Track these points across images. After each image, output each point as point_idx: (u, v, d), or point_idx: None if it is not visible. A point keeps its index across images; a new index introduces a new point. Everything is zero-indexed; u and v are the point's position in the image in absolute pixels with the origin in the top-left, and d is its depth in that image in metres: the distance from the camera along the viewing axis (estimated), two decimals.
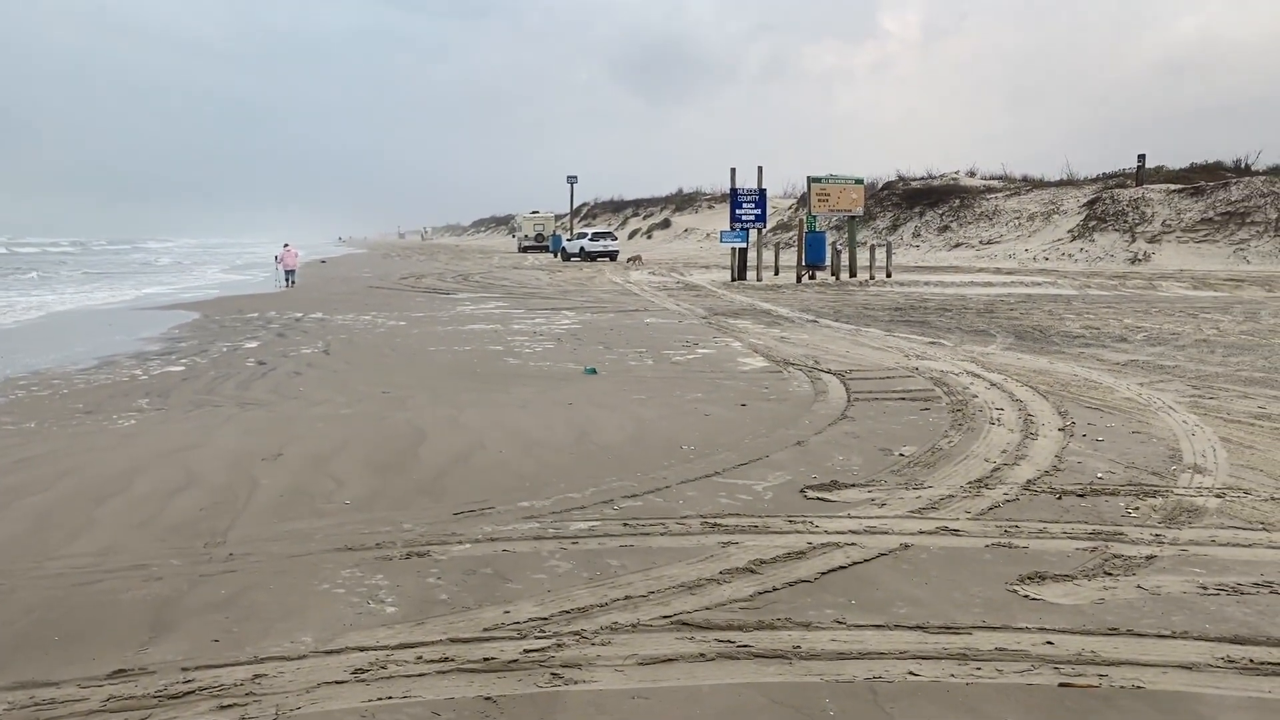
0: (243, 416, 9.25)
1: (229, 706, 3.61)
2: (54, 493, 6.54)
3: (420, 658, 4.00)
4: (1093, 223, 40.39)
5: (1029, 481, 6.63)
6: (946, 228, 47.86)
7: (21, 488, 6.66)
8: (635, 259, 48.90)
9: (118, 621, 4.42)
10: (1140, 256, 35.97)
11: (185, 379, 11.77)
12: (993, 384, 10.38)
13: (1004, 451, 7.47)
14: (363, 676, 3.83)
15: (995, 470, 6.94)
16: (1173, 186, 40.62)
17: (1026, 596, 4.65)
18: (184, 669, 3.92)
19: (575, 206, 75.93)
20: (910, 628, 4.29)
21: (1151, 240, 37.25)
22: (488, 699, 3.67)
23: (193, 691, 3.72)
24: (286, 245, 34.55)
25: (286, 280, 32.70)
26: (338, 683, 3.79)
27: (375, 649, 4.09)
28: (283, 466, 7.21)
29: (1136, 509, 5.99)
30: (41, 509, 6.17)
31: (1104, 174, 47.42)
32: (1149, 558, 5.13)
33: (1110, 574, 4.92)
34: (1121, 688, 3.72)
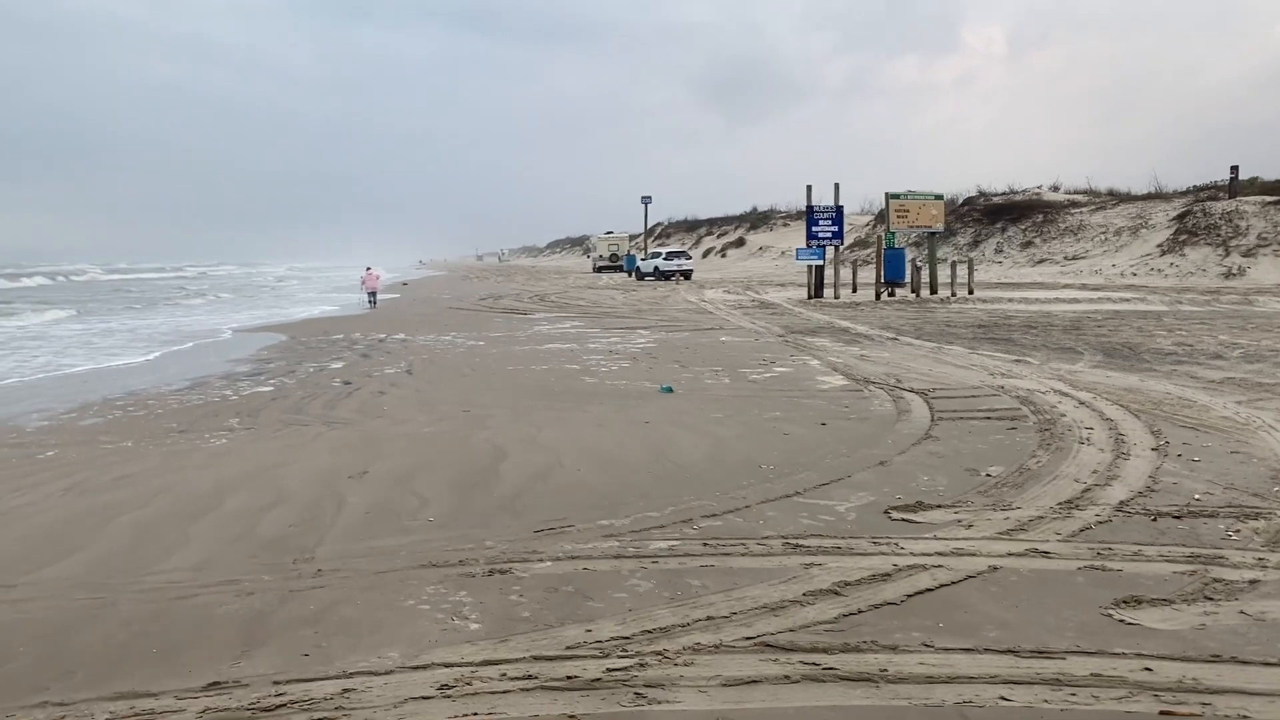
0: (329, 435, 9.45)
1: None
2: (151, 509, 6.76)
3: (504, 675, 4.03)
4: (1183, 236, 39.17)
5: (1122, 503, 6.43)
6: (1029, 243, 46.87)
7: (120, 504, 6.90)
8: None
9: (212, 635, 4.54)
10: (1235, 271, 34.76)
11: (274, 399, 12.09)
12: (1081, 402, 10.11)
13: (1095, 472, 7.26)
14: (448, 693, 3.87)
15: (1086, 491, 6.74)
16: (1268, 198, 39.19)
17: (1122, 621, 4.50)
18: (275, 682, 4.00)
19: (649, 226, 76.28)
20: (1001, 652, 4.19)
21: (1246, 254, 35.97)
22: (571, 717, 3.67)
23: (284, 705, 3.79)
24: (369, 268, 36.03)
25: (370, 302, 33.62)
26: (424, 698, 3.83)
27: (460, 665, 4.13)
28: (368, 484, 7.34)
29: (1238, 531, 5.77)
30: (139, 525, 6.38)
31: (1194, 186, 45.96)
32: (1252, 582, 4.93)
33: (1211, 598, 4.74)
34: (1226, 717, 3.58)
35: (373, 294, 34.08)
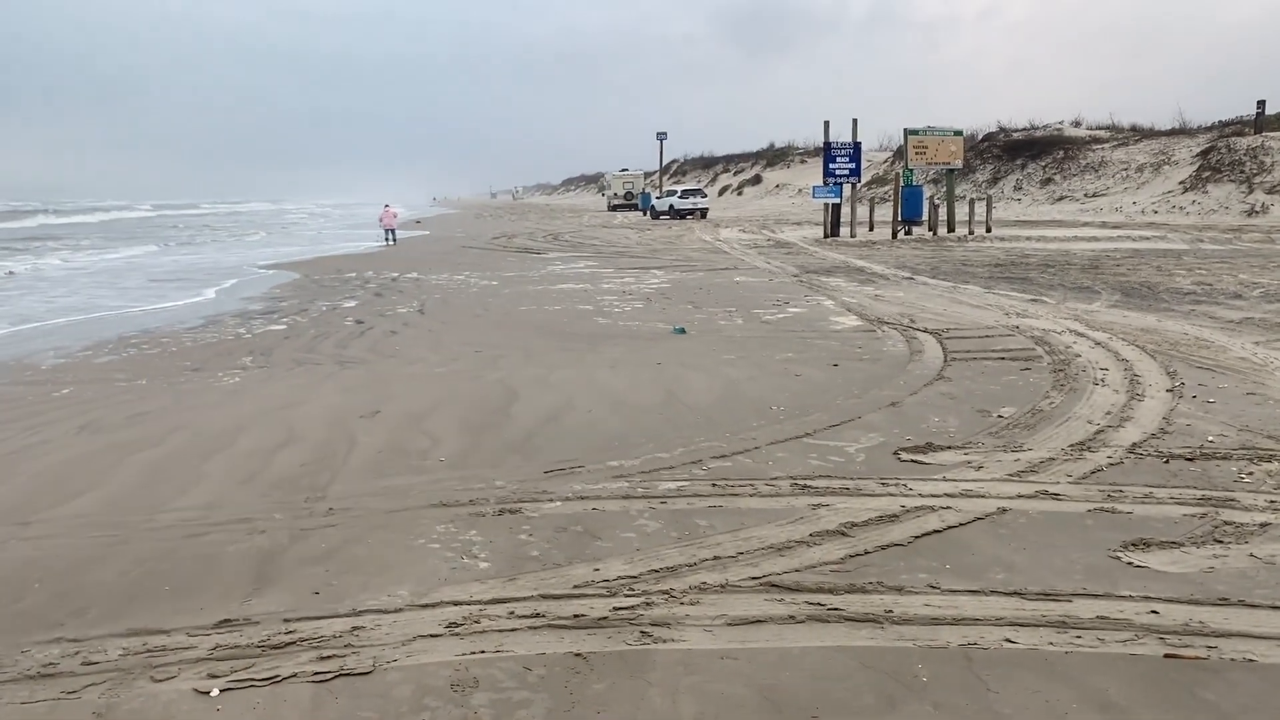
0: (342, 375, 9.48)
1: (329, 658, 3.72)
2: (164, 448, 6.81)
3: (512, 613, 4.06)
4: (1206, 173, 38.50)
5: (1134, 444, 6.40)
6: (1049, 180, 46.21)
7: (134, 443, 6.95)
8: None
9: (224, 573, 4.58)
10: (1258, 208, 34.20)
11: (287, 337, 12.12)
12: (1097, 343, 10.02)
13: (1108, 413, 7.21)
14: (456, 630, 3.91)
15: (1099, 433, 6.71)
16: None
17: (1130, 564, 4.49)
18: (286, 620, 4.05)
19: (665, 164, 75.58)
20: (1007, 594, 4.19)
21: (1270, 191, 35.37)
22: (578, 655, 3.71)
23: (294, 643, 3.84)
24: (386, 206, 36.77)
25: (387, 238, 34.08)
26: (432, 636, 3.87)
27: (469, 603, 4.16)
28: (380, 424, 7.37)
29: (1250, 474, 5.73)
30: (153, 463, 6.43)
31: (1219, 122, 45.06)
32: (1263, 525, 4.91)
33: (1221, 541, 4.72)
34: (1232, 660, 3.58)
35: (390, 231, 34.48)
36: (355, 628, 3.96)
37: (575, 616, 4.02)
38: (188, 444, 6.89)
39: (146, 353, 11.19)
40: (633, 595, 4.22)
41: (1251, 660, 3.57)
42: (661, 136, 69.79)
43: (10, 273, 23.54)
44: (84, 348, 11.66)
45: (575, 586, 4.33)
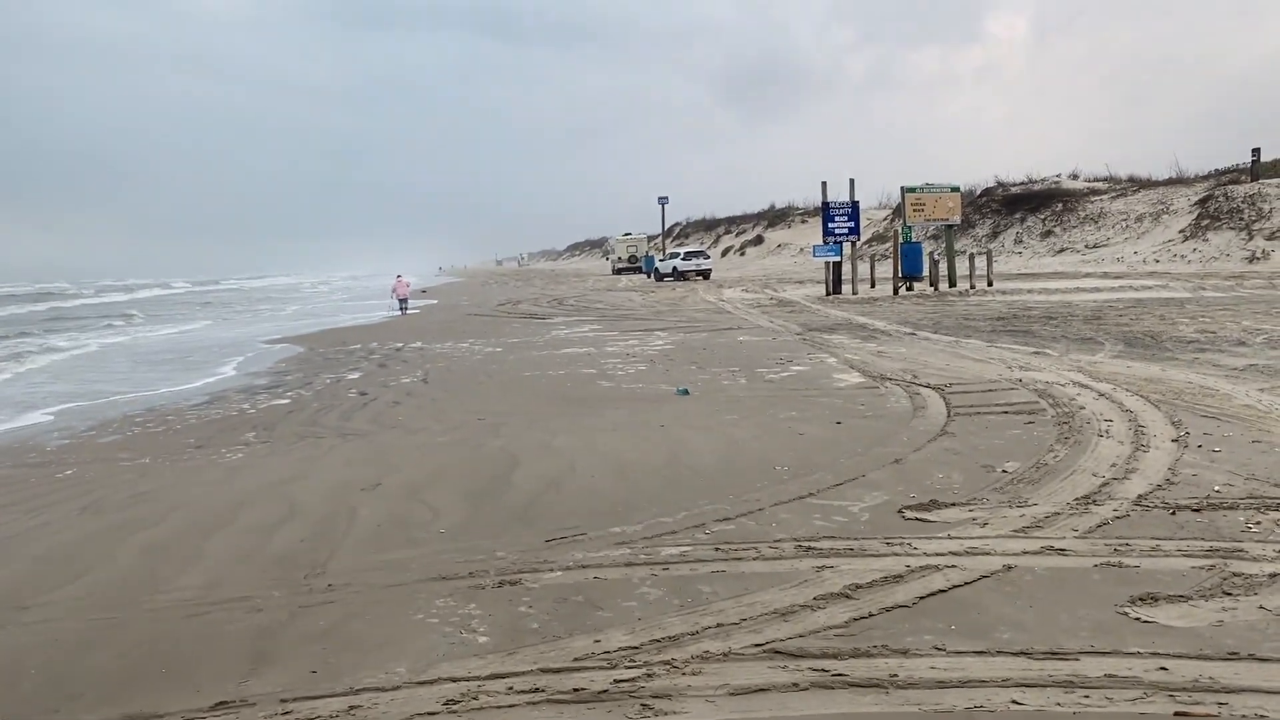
0: (344, 447, 9.48)
1: None
2: (165, 527, 6.79)
3: (511, 688, 4.00)
4: (1205, 221, 38.70)
5: (1140, 497, 6.34)
6: (1049, 233, 46.48)
7: (135, 522, 6.93)
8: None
9: (222, 653, 4.54)
10: (1259, 254, 34.30)
11: (290, 411, 12.13)
12: (1101, 394, 9.99)
13: (1113, 465, 7.16)
14: (454, 708, 3.85)
15: (1104, 485, 6.65)
16: None
17: (1138, 619, 4.42)
18: (283, 700, 3.99)
19: (667, 226, 76.24)
20: (1014, 654, 4.12)
21: (1270, 237, 35.50)
22: None
23: None
24: (399, 277, 37.49)
25: (400, 308, 34.71)
26: (430, 714, 3.82)
27: (467, 679, 4.11)
28: (381, 496, 7.35)
29: (1258, 524, 5.66)
30: (153, 543, 6.40)
31: (1216, 170, 45.41)
32: (1272, 576, 4.84)
33: (1230, 594, 4.65)
34: (1243, 717, 3.50)
35: (403, 301, 35.09)
36: (353, 707, 3.90)
37: (575, 690, 3.96)
38: (188, 522, 6.87)
39: (150, 431, 11.22)
40: (634, 666, 4.16)
41: (1263, 717, 3.50)
42: (663, 200, 70.52)
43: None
44: (89, 427, 11.69)
45: (575, 659, 4.28)
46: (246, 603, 5.18)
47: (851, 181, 31.94)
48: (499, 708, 3.84)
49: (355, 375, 15.79)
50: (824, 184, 31.90)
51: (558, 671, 4.15)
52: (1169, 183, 46.40)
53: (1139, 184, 48.64)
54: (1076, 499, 6.36)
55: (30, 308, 54.26)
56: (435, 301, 43.34)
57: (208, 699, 4.06)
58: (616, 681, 4.01)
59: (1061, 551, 5.37)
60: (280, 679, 4.23)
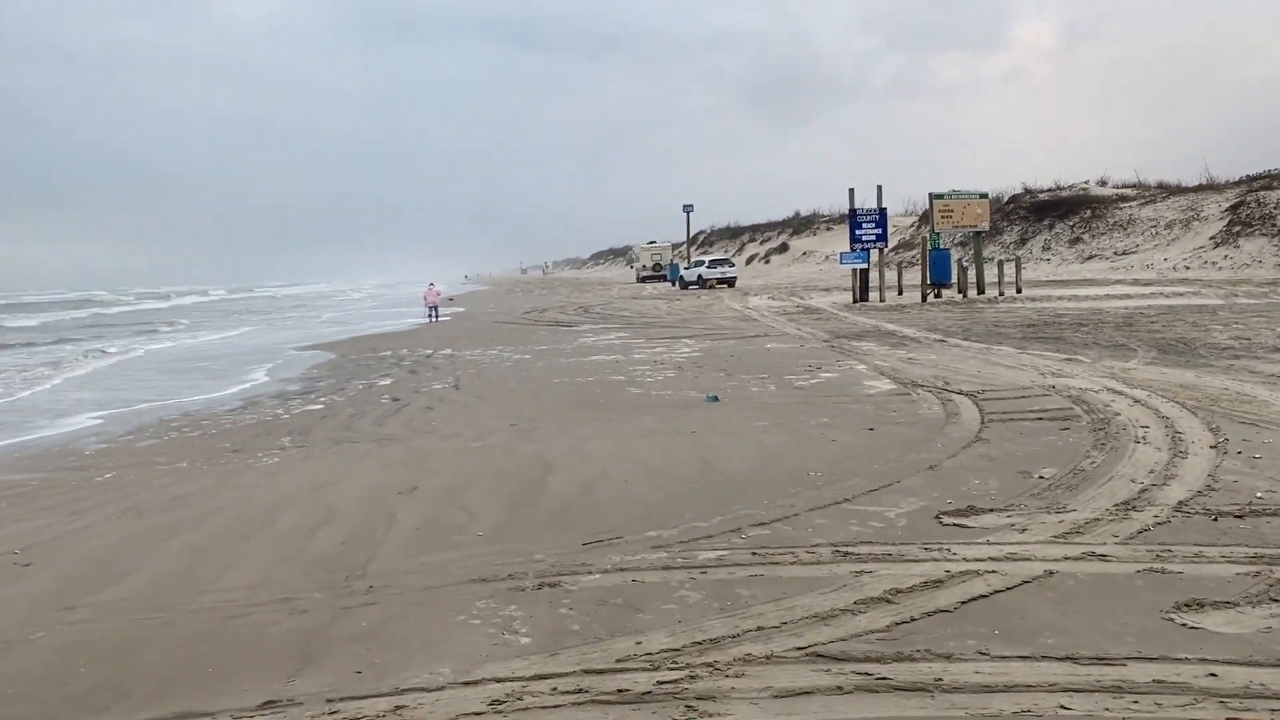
0: (379, 452, 9.54)
1: None
2: (205, 529, 6.86)
3: (555, 689, 4.02)
4: (1237, 228, 38.30)
5: (1181, 503, 6.28)
6: (1078, 240, 46.13)
7: (176, 525, 7.01)
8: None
9: (266, 653, 4.59)
10: None
11: (324, 417, 12.23)
12: (1136, 401, 9.91)
13: (1152, 471, 7.10)
14: (500, 708, 3.87)
15: (1143, 491, 6.60)
16: None
17: (1184, 625, 4.39)
18: (329, 700, 4.03)
19: (692, 235, 76.22)
20: (1059, 659, 4.10)
21: None
22: None
23: None
24: (430, 284, 38.40)
25: (431, 315, 35.26)
26: (476, 714, 3.84)
27: (511, 680, 4.13)
28: (418, 500, 7.40)
29: None
30: (194, 545, 6.48)
31: (1247, 176, 44.93)
32: None
33: (1276, 600, 4.61)
34: None
35: (434, 308, 35.64)
36: (398, 707, 3.93)
37: (619, 691, 3.97)
38: (228, 525, 6.94)
39: (186, 435, 11.34)
40: (676, 668, 4.16)
41: None
42: (688, 208, 70.51)
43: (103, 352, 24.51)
44: (126, 432, 11.83)
45: (618, 660, 4.29)
46: (289, 604, 5.23)
47: (879, 188, 31.89)
48: (544, 708, 3.86)
49: (387, 381, 15.90)
50: (850, 191, 31.84)
51: (601, 673, 4.16)
52: (1199, 189, 45.97)
53: (1169, 190, 48.22)
54: (1116, 505, 6.31)
55: (72, 313, 55.86)
56: (462, 309, 43.57)
57: (255, 698, 4.10)
58: (660, 683, 4.02)
59: (1103, 557, 5.34)
60: (325, 679, 4.27)
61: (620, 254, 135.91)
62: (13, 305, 65.87)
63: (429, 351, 21.27)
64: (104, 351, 26.07)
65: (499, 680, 4.14)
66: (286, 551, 6.22)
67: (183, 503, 7.74)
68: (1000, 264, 32.69)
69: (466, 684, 4.12)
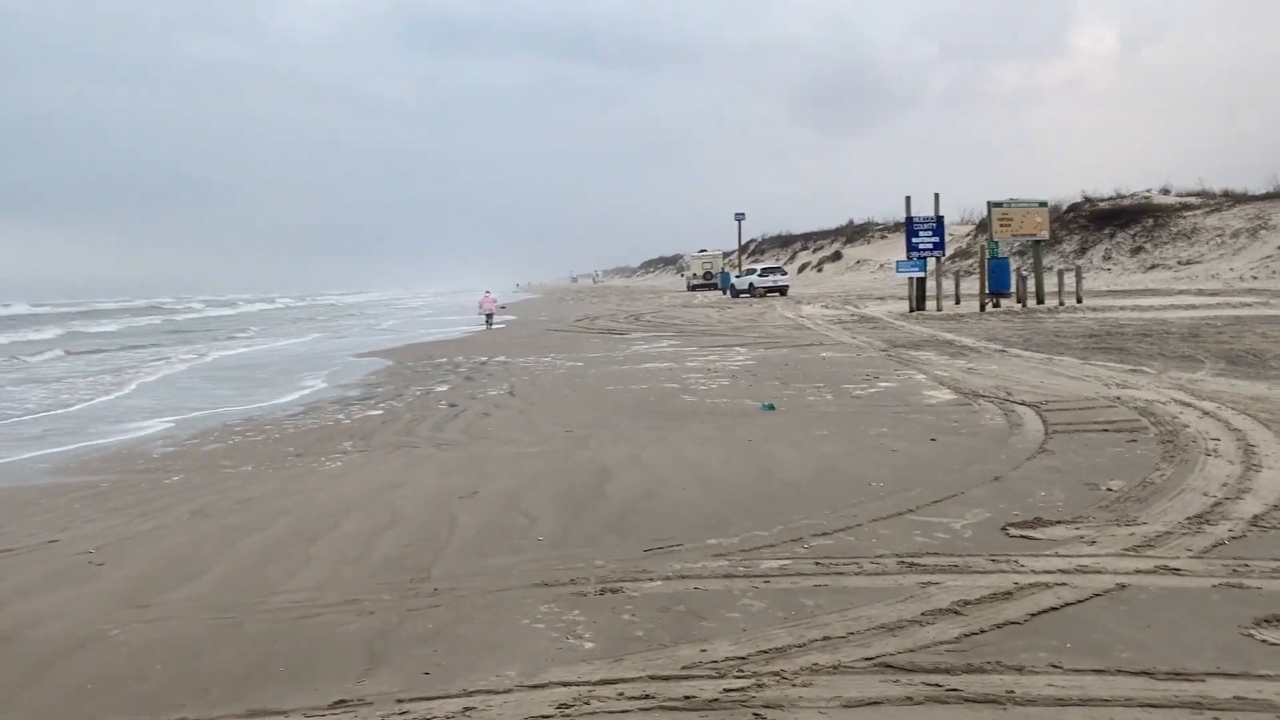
0: (439, 457, 9.64)
1: None
2: (273, 531, 6.98)
3: (622, 694, 4.03)
4: None
5: (1256, 517, 6.13)
6: (1140, 249, 45.27)
7: (244, 526, 7.15)
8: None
9: (336, 653, 4.65)
10: None
11: (384, 422, 12.39)
12: (1205, 413, 9.69)
13: (1224, 485, 6.94)
14: (568, 712, 3.89)
15: (1216, 505, 6.45)
16: None
17: (1265, 641, 4.28)
18: (399, 700, 4.08)
19: (743, 243, 76.05)
20: (1135, 673, 4.02)
21: None
22: None
23: None
24: (486, 292, 38.69)
25: (486, 323, 35.78)
26: (544, 717, 3.86)
27: (578, 684, 4.14)
28: (478, 504, 7.46)
29: None
30: (263, 546, 6.59)
31: None
32: None
33: None
34: None
35: (489, 316, 36.16)
36: (467, 708, 3.96)
37: (686, 698, 3.97)
38: (295, 527, 7.06)
39: (250, 439, 11.55)
40: (743, 676, 4.15)
41: None
42: (740, 217, 70.43)
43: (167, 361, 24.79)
44: (191, 436, 12.08)
45: (683, 667, 4.29)
46: (356, 605, 5.30)
47: (936, 196, 31.57)
48: (611, 713, 3.87)
49: (444, 388, 16.06)
50: (907, 199, 31.58)
51: (667, 679, 4.16)
52: (1267, 197, 44.87)
53: (1234, 199, 47.12)
54: (1188, 518, 6.18)
55: (146, 319, 58.00)
56: (514, 317, 43.87)
57: (326, 697, 4.16)
58: (727, 690, 4.01)
59: (1176, 571, 5.22)
60: (394, 679, 4.31)
61: (670, 262, 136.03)
62: (89, 312, 68.31)
63: (483, 358, 21.45)
64: (174, 359, 26.59)
65: (565, 684, 4.15)
66: (352, 553, 6.31)
67: (250, 505, 7.88)
68: (1060, 273, 32.21)
69: (533, 687, 4.15)
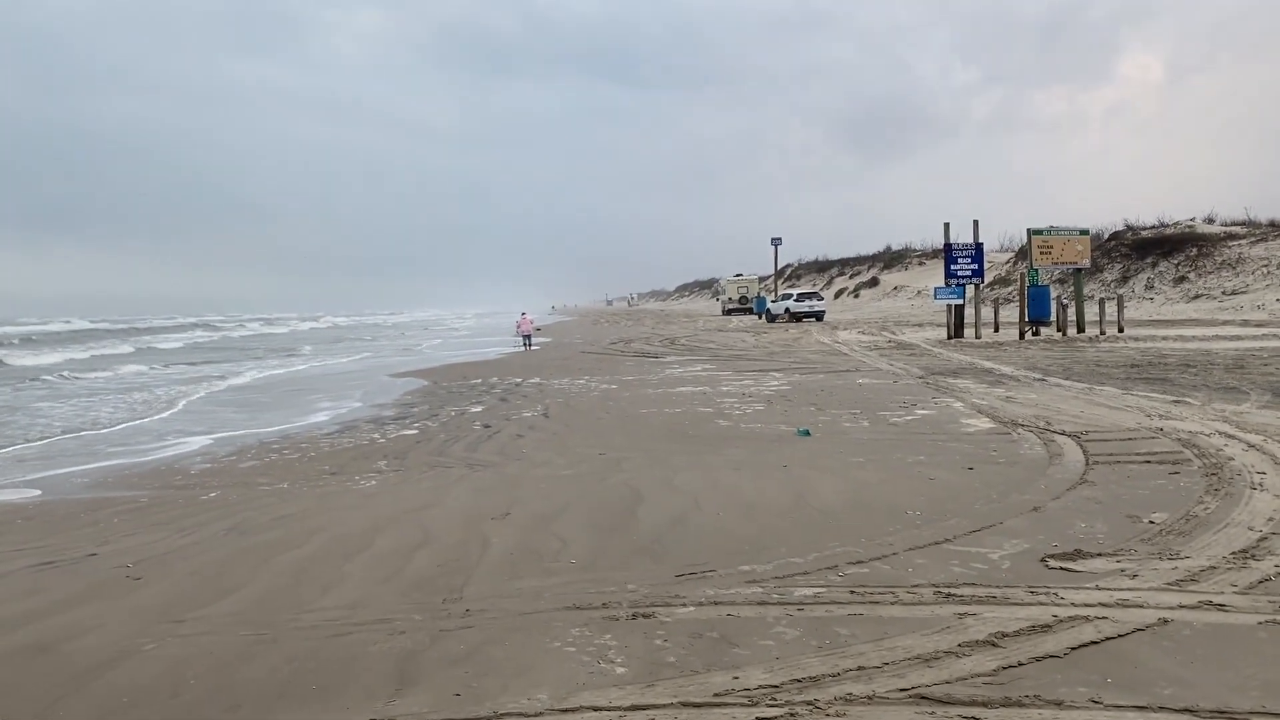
0: (472, 477, 9.67)
1: None
2: (307, 549, 7.02)
3: (653, 719, 3.99)
4: None
5: None
6: (1183, 278, 44.63)
7: (279, 543, 7.19)
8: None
9: (368, 672, 4.65)
10: None
11: (419, 442, 12.45)
12: (1251, 445, 9.50)
13: (1270, 520, 6.79)
14: None
15: (1262, 540, 6.31)
16: None
17: None
18: None
19: (780, 268, 75.91)
20: (1177, 710, 3.93)
21: None
22: None
23: None
24: (524, 314, 39.31)
25: (524, 344, 36.21)
26: None
27: (608, 709, 4.11)
28: (511, 525, 7.46)
29: None
30: (297, 564, 6.63)
31: None
32: None
33: None
34: None
35: (527, 337, 36.67)
36: None
37: None
38: (329, 545, 7.09)
39: (287, 457, 11.64)
40: (775, 705, 4.10)
41: None
42: (776, 241, 70.34)
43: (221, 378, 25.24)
44: (228, 453, 12.21)
45: (715, 694, 4.24)
46: (388, 625, 5.31)
47: (975, 223, 31.36)
48: None
49: (478, 409, 16.12)
50: (946, 225, 31.38)
51: (699, 706, 4.12)
52: None
53: None
54: (1233, 553, 6.04)
55: (199, 335, 60.43)
56: (549, 340, 44.03)
57: (357, 716, 4.16)
58: (760, 719, 3.96)
59: (1221, 607, 5.11)
60: (425, 700, 4.31)
61: (706, 286, 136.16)
62: (144, 329, 71.22)
63: (518, 380, 21.53)
64: (229, 375, 27.05)
65: (596, 709, 4.13)
66: (385, 572, 6.33)
67: (284, 522, 7.94)
68: (1101, 302, 31.80)
69: (564, 711, 4.12)
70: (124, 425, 15.93)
